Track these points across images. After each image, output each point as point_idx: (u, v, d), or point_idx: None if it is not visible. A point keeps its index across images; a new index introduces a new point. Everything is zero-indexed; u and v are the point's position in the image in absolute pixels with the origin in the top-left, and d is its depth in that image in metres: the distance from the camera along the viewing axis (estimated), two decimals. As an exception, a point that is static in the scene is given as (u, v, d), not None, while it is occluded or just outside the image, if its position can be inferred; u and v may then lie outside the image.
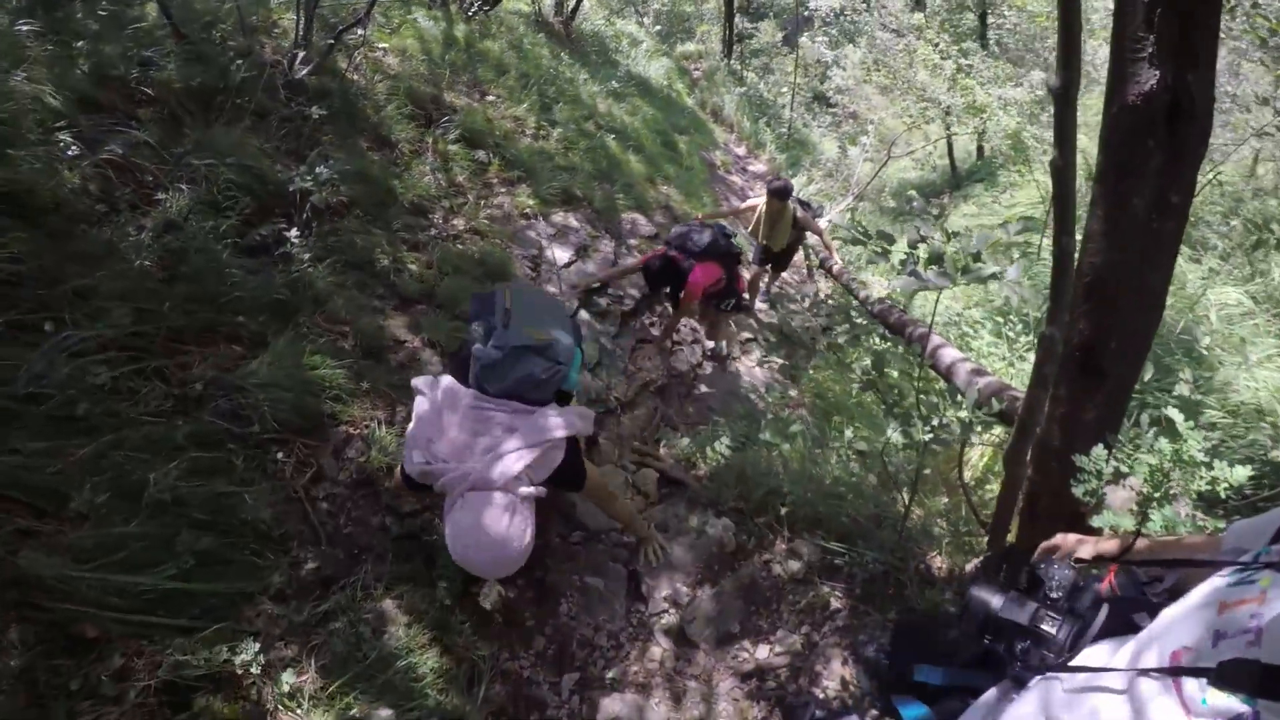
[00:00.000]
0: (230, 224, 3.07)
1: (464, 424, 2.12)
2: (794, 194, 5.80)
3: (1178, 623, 0.96)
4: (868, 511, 2.37)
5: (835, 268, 6.97)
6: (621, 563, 2.44)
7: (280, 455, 2.47)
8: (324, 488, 2.45)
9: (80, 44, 3.47)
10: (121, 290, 2.70)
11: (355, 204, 3.44)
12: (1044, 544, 1.40)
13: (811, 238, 6.49)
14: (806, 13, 15.00)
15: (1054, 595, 1.30)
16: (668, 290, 4.29)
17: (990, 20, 14.35)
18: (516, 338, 2.25)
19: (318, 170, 3.27)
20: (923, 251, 1.70)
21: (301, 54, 4.32)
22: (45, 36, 3.39)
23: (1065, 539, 1.39)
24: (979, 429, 1.65)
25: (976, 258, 1.67)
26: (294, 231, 3.09)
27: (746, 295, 5.93)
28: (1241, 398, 4.87)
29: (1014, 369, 4.36)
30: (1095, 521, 1.60)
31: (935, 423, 1.94)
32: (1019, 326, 5.05)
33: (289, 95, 4.09)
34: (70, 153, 2.98)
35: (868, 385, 1.88)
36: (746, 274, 5.92)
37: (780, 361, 5.06)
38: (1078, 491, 1.51)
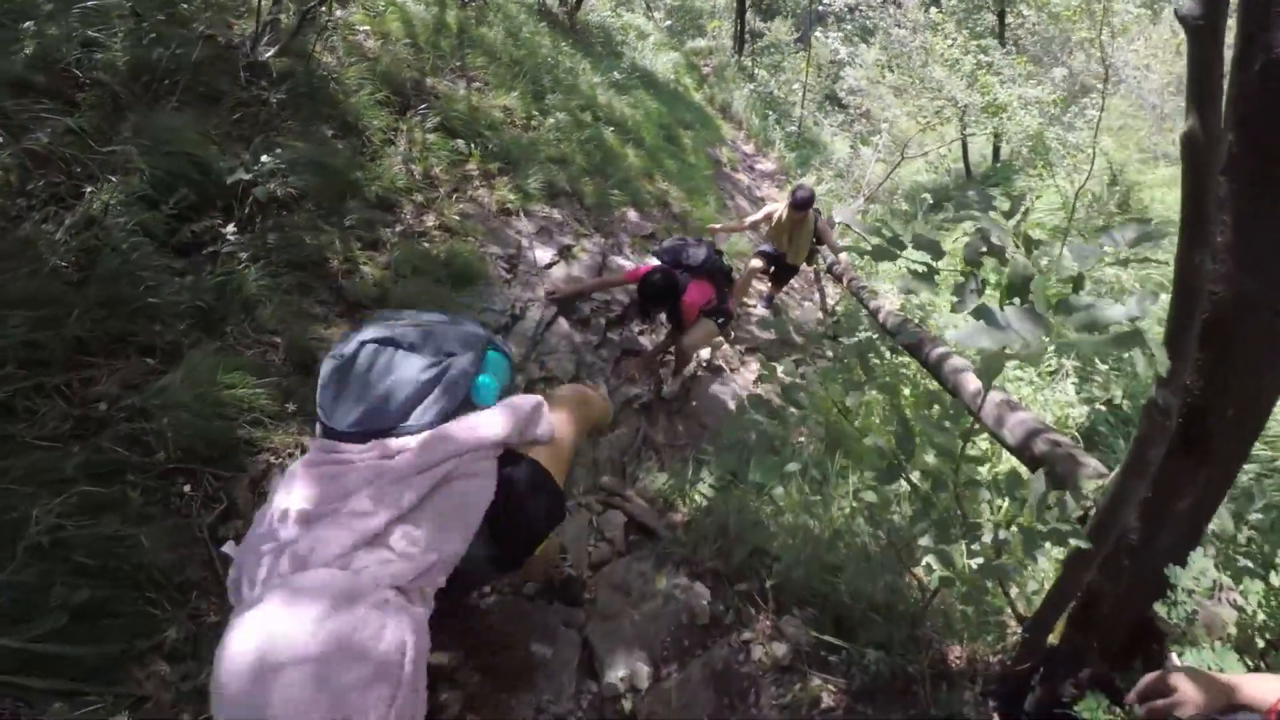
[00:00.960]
0: (161, 219, 2.74)
1: (303, 492, 1.25)
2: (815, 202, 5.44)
3: None
4: (874, 593, 1.95)
5: (846, 275, 6.58)
6: (576, 628, 2.06)
7: (187, 488, 2.13)
8: (233, 527, 2.11)
9: (27, 25, 3.17)
10: (29, 294, 2.38)
11: (307, 197, 3.09)
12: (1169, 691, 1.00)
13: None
14: (820, 7, 14.61)
15: None
16: (664, 312, 3.85)
17: (1009, 20, 13.89)
18: (370, 332, 1.47)
19: (263, 159, 2.92)
20: (993, 274, 1.20)
21: (268, 34, 3.99)
22: (-15, 17, 3.08)
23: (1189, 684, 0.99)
24: (1046, 547, 1.22)
25: (1078, 285, 1.07)
26: (231, 227, 2.75)
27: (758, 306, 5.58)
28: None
29: (1042, 396, 3.94)
30: (1185, 657, 1.21)
31: (986, 538, 1.37)
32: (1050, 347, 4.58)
33: (250, 78, 3.76)
34: (-8, 142, 2.67)
35: (891, 473, 1.43)
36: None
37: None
38: (1165, 611, 1.13)
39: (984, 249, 1.13)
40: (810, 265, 6.39)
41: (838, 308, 6.82)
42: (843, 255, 6.33)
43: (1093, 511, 1.26)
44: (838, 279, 6.82)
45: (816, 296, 7.04)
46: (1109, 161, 8.79)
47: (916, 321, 5.25)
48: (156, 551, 2.02)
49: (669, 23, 14.32)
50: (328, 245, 2.94)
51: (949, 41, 9.46)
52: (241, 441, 2.20)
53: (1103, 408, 3.70)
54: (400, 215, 3.49)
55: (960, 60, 9.06)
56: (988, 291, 1.12)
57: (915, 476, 1.35)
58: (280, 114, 3.56)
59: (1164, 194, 9.93)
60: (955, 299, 1.12)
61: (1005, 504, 1.37)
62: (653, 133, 7.37)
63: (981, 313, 1.03)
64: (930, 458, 1.45)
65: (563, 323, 3.58)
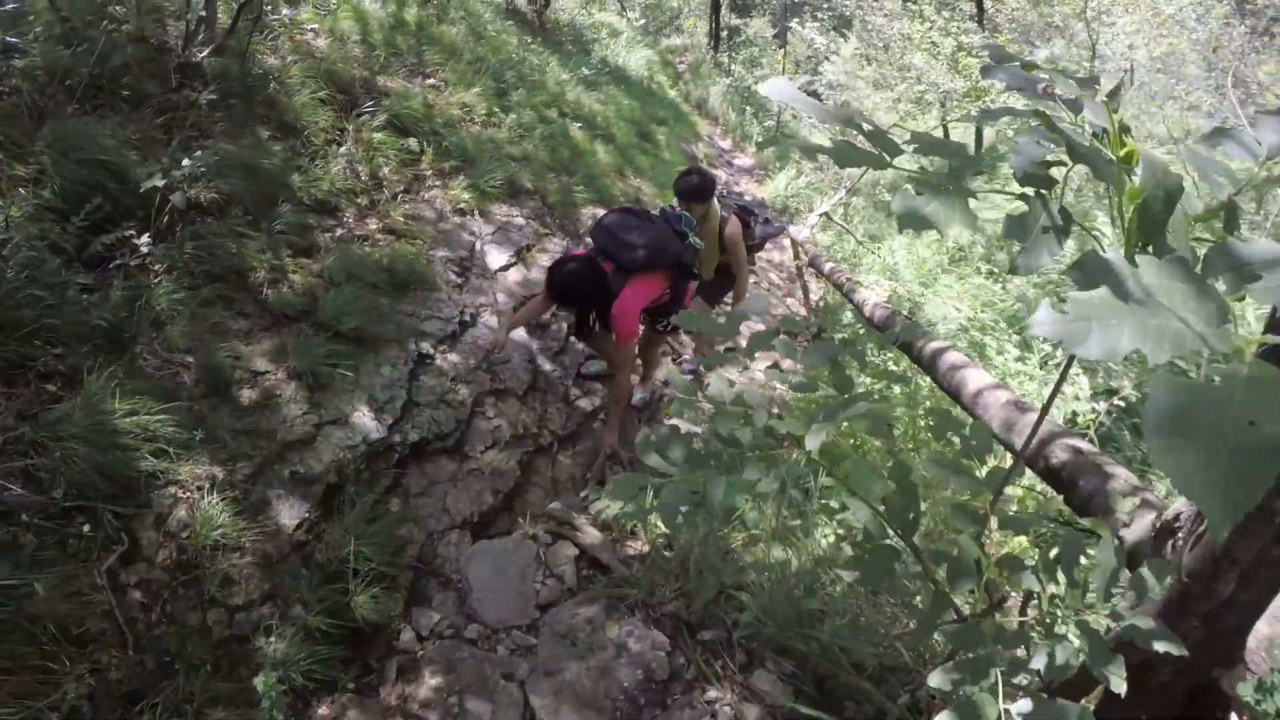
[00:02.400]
0: (71, 231, 2.53)
1: None
2: (717, 192, 3.52)
3: None
4: (863, 654, 1.65)
5: (821, 263, 6.37)
6: (518, 682, 1.83)
7: (86, 528, 1.91)
8: (137, 571, 1.89)
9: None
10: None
11: (235, 202, 2.87)
12: None
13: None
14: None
15: None
16: (589, 314, 3.04)
17: (987, 7, 13.75)
18: None
19: (183, 162, 2.70)
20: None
21: (202, 33, 3.78)
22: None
23: None
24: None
25: (1231, 220, 0.74)
26: (145, 238, 2.53)
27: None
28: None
29: (1045, 390, 3.66)
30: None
31: (1037, 661, 1.00)
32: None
33: (182, 80, 3.55)
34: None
35: (880, 560, 1.11)
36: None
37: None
38: (1252, 696, 0.91)
39: (1049, 152, 0.63)
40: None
41: (821, 304, 6.61)
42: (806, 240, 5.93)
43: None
44: (819, 271, 6.60)
45: (800, 293, 6.84)
46: (1099, 144, 8.62)
47: (906, 312, 5.03)
48: (53, 601, 1.82)
49: (643, 21, 14.15)
50: (253, 253, 2.72)
51: (927, 25, 9.28)
52: (144, 474, 1.98)
53: (1120, 403, 3.43)
54: (341, 219, 3.27)
55: (940, 43, 8.87)
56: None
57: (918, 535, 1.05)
58: (211, 115, 3.35)
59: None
60: (1015, 247, 0.63)
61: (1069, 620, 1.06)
62: (624, 129, 7.17)
63: (1093, 271, 0.53)
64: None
65: (521, 332, 3.37)
